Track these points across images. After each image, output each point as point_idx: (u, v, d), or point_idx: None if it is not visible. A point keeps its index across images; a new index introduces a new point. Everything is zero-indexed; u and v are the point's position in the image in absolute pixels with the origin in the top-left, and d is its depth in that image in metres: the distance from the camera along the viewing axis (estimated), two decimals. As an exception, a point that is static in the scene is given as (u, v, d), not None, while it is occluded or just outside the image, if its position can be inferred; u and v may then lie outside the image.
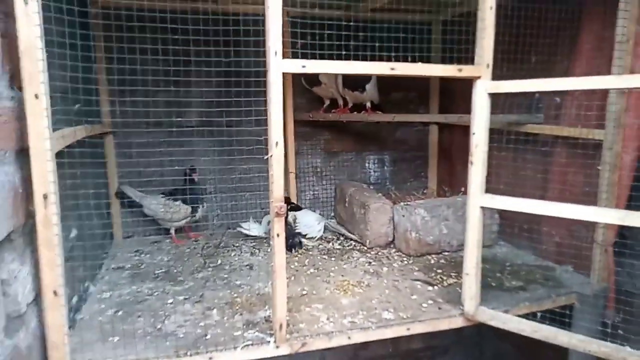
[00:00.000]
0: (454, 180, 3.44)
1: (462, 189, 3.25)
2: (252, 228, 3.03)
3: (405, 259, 2.66)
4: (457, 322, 1.96)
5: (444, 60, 3.04)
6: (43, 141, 1.41)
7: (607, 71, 2.07)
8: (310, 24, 2.23)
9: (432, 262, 2.61)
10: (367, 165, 3.56)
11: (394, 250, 2.80)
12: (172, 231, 2.93)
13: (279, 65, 1.58)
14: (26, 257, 1.50)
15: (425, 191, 3.60)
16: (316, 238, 3.02)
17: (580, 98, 2.28)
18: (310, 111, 3.31)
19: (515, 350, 3.08)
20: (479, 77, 1.82)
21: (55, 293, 1.48)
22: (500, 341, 3.27)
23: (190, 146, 3.05)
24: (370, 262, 2.59)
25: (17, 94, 1.46)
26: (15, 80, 1.45)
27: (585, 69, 2.31)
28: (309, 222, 3.03)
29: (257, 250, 2.79)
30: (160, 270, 2.44)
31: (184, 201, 2.82)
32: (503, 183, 2.10)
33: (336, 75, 3.08)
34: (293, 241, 2.77)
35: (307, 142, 3.36)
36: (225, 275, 2.38)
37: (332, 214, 3.46)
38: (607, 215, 1.63)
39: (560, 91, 2.46)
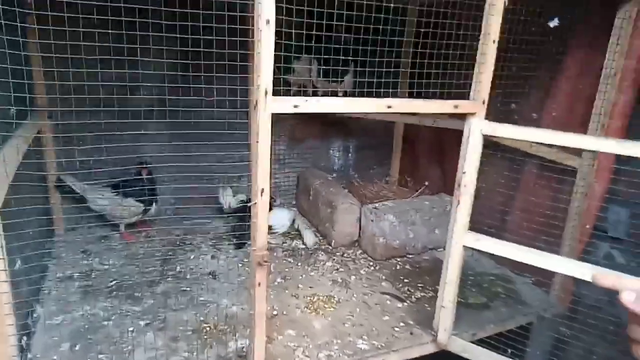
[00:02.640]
0: (416, 172, 3.43)
1: (426, 183, 3.27)
2: (225, 196, 2.92)
3: (371, 263, 2.65)
4: (429, 349, 2.00)
5: (415, 56, 2.92)
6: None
7: (591, 91, 2.06)
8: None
9: (398, 267, 2.63)
10: (331, 152, 3.44)
11: (359, 251, 2.78)
12: (122, 227, 2.70)
13: (269, 106, 1.39)
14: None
15: (387, 179, 3.57)
16: (280, 233, 2.92)
17: (560, 121, 2.27)
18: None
19: None
20: (474, 114, 1.72)
21: None
22: None
23: (141, 130, 2.73)
24: (337, 269, 2.55)
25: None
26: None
27: (570, 90, 2.28)
28: (281, 221, 2.90)
29: (217, 251, 2.66)
30: (114, 282, 2.25)
31: (135, 197, 2.58)
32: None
33: (310, 63, 2.85)
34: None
35: (271, 128, 3.14)
36: (187, 288, 2.24)
37: (294, 203, 3.36)
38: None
39: (538, 108, 2.44)
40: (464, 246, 1.82)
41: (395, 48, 2.21)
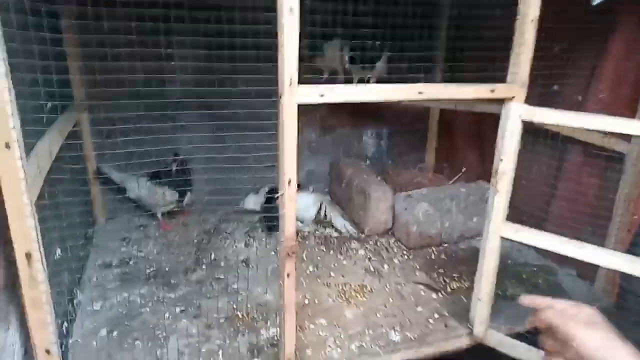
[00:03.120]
0: (453, 158, 3.32)
1: (463, 170, 3.17)
2: (249, 201, 2.91)
3: (405, 252, 2.60)
4: (465, 342, 1.94)
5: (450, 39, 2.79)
6: (20, 196, 1.19)
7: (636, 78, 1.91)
8: None
9: (433, 257, 2.56)
10: (364, 139, 3.38)
11: (392, 239, 2.73)
12: (159, 215, 2.76)
13: (294, 96, 1.36)
14: (10, 317, 1.34)
15: (422, 165, 3.48)
16: (310, 222, 2.91)
17: (607, 103, 2.13)
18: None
19: None
20: (512, 98, 1.63)
21: (47, 352, 1.34)
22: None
23: (176, 121, 2.77)
24: (370, 257, 2.52)
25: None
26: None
27: (617, 70, 2.13)
28: (305, 204, 2.88)
29: (251, 239, 2.68)
30: (151, 269, 2.31)
31: (170, 186, 2.63)
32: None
33: (341, 48, 2.79)
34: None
35: (302, 117, 3.10)
36: (221, 276, 2.28)
37: (327, 190, 3.33)
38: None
39: (583, 89, 2.29)
40: (501, 237, 1.74)
41: (428, 30, 2.13)
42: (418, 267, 2.44)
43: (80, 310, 1.97)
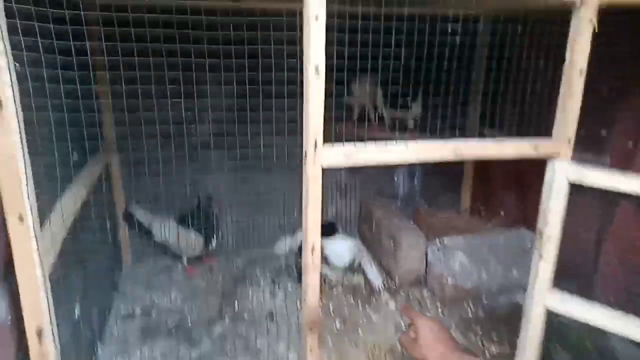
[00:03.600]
0: (490, 200, 3.14)
1: (501, 213, 2.99)
2: (282, 245, 2.88)
3: (439, 305, 2.44)
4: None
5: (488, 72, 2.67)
6: (32, 269, 1.14)
7: None
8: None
9: (470, 314, 2.38)
10: (395, 178, 3.26)
11: (425, 291, 2.57)
12: (184, 260, 2.72)
13: (319, 160, 1.27)
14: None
15: (458, 207, 3.31)
16: (341, 270, 2.78)
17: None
18: (335, 120, 2.94)
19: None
20: (557, 155, 1.49)
21: None
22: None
23: (203, 161, 2.74)
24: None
25: None
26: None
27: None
28: (339, 251, 2.74)
29: (277, 288, 2.58)
30: (173, 322, 2.24)
31: (198, 230, 2.58)
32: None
33: (375, 86, 2.70)
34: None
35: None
36: (244, 332, 2.18)
37: (357, 231, 3.22)
38: None
39: (635, 135, 2.11)
40: (547, 309, 1.58)
41: (463, 71, 2.02)
42: (454, 325, 2.27)
43: (99, 367, 1.91)
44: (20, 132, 1.06)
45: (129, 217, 2.63)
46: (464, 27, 1.99)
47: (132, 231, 2.73)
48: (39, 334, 1.18)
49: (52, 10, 1.19)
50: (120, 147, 2.55)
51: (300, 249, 2.67)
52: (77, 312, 1.72)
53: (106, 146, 2.46)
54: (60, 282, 1.45)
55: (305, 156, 1.29)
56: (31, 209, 1.11)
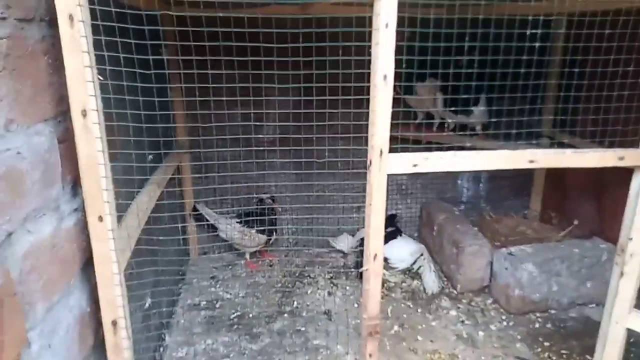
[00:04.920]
0: (564, 207, 2.95)
1: (575, 222, 2.80)
2: (341, 241, 2.89)
3: (504, 316, 2.33)
4: None
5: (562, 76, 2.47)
6: (109, 266, 1.22)
7: None
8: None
9: (537, 325, 2.26)
10: (459, 182, 3.15)
11: (489, 301, 2.47)
12: (247, 255, 2.80)
13: (385, 165, 1.25)
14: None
15: (526, 213, 3.15)
16: (400, 269, 2.74)
17: None
18: (398, 124, 2.89)
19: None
20: (645, 166, 1.37)
21: (129, 415, 1.36)
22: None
23: (266, 165, 2.80)
24: (462, 320, 2.30)
25: (80, 202, 1.26)
26: (78, 185, 1.25)
27: None
28: (400, 255, 2.72)
29: (334, 287, 2.59)
30: (236, 314, 2.31)
31: (260, 228, 2.64)
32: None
33: (435, 89, 2.63)
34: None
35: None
36: (302, 328, 2.21)
37: (417, 235, 3.15)
38: None
39: None
40: (627, 329, 1.46)
41: (536, 69, 1.89)
42: (519, 337, 2.17)
43: (166, 355, 2.01)
44: (101, 140, 1.13)
45: (196, 212, 2.74)
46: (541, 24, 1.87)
47: (199, 227, 2.86)
48: (114, 324, 1.26)
49: (132, 26, 1.25)
50: (191, 147, 2.67)
51: (361, 245, 2.68)
52: (148, 303, 1.82)
53: (178, 147, 2.58)
54: (134, 276, 1.55)
55: (370, 164, 1.28)
56: (109, 210, 1.18)
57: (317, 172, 2.67)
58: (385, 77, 1.18)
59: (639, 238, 1.39)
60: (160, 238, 2.05)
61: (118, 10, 1.21)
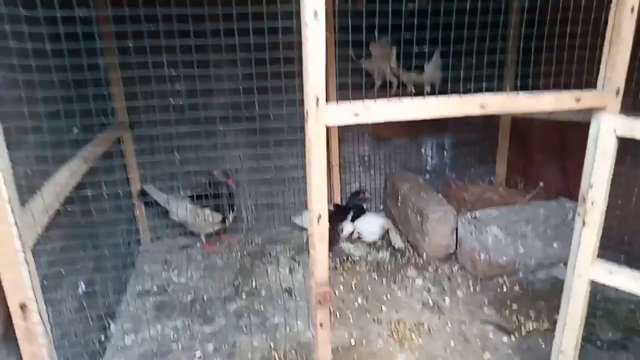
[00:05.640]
0: (529, 171, 2.90)
1: (540, 184, 2.75)
2: (304, 217, 2.79)
3: (471, 281, 2.26)
4: (543, 406, 1.59)
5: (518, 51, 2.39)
6: (10, 243, 1.06)
7: None
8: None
9: (505, 289, 2.20)
10: (423, 151, 3.06)
11: (456, 267, 2.40)
12: (202, 237, 2.64)
13: (322, 116, 1.12)
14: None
15: (492, 179, 3.09)
16: (368, 241, 2.69)
17: None
18: (357, 92, 2.76)
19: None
20: (602, 108, 1.28)
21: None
22: None
23: (217, 138, 2.63)
24: (428, 289, 2.21)
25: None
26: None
27: None
28: (371, 228, 2.73)
29: (296, 264, 2.47)
30: (188, 298, 2.17)
31: (214, 206, 2.48)
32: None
33: (390, 48, 2.51)
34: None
35: (353, 128, 2.85)
36: (261, 308, 2.09)
37: (381, 207, 3.06)
38: None
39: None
40: (591, 281, 1.38)
41: (493, 17, 1.78)
42: (486, 301, 2.10)
43: (111, 344, 1.86)
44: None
45: (144, 195, 2.57)
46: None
47: (150, 211, 2.69)
48: (23, 308, 1.10)
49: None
50: (135, 124, 2.47)
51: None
52: (81, 288, 1.66)
53: (117, 122, 2.39)
54: (58, 258, 1.39)
55: (307, 115, 1.14)
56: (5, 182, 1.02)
57: (275, 144, 2.54)
58: (315, 13, 1.04)
59: (598, 185, 1.31)
60: (98, 220, 1.89)
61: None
